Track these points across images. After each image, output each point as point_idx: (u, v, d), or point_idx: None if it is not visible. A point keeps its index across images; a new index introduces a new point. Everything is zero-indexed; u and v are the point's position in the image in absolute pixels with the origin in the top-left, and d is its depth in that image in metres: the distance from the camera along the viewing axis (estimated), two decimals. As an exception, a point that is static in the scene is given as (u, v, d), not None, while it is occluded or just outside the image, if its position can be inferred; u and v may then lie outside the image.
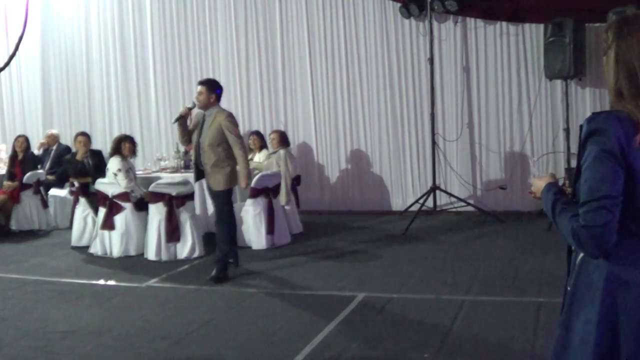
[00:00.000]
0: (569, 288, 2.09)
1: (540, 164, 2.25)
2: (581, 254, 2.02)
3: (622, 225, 1.89)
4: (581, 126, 1.95)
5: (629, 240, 1.91)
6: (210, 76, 10.29)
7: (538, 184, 2.16)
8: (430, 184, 8.96)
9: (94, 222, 7.64)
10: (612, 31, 1.95)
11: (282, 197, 7.92)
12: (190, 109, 6.29)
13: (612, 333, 1.92)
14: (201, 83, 6.24)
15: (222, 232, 6.21)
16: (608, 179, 1.83)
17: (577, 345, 1.98)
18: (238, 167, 6.16)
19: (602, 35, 2.01)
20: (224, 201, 6.21)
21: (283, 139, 8.48)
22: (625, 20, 1.95)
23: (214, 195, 6.24)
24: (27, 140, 9.24)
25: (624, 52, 1.90)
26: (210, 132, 6.07)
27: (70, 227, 8.19)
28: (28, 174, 8.79)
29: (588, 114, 5.36)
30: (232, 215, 6.36)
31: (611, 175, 1.83)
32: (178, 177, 7.60)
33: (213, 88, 6.16)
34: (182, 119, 6.21)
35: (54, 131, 10.29)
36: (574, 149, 7.77)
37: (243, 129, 10.14)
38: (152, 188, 7.07)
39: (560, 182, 2.17)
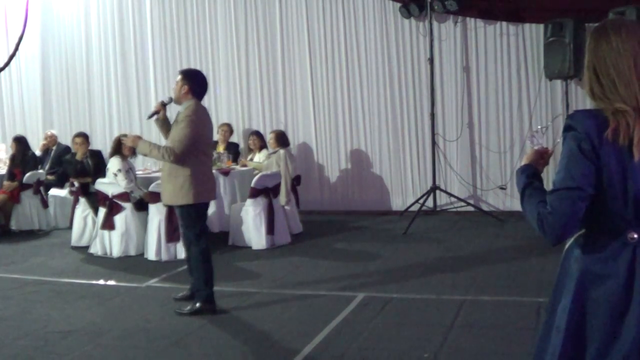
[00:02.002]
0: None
1: (538, 138, 2.22)
2: (567, 244, 2.12)
3: (596, 222, 2.00)
4: None
5: (603, 236, 2.01)
6: (210, 76, 10.32)
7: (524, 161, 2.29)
8: (430, 184, 8.96)
9: (94, 222, 7.64)
10: (590, 37, 2.08)
11: (282, 197, 7.92)
12: (164, 104, 5.32)
13: (580, 324, 2.03)
14: (180, 72, 5.34)
15: (199, 266, 5.09)
16: (579, 172, 1.95)
17: (554, 331, 2.09)
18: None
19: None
20: (189, 223, 5.09)
21: (281, 139, 8.46)
22: (598, 26, 2.08)
23: (177, 212, 5.21)
24: (26, 140, 9.24)
25: (595, 56, 2.03)
26: (172, 131, 5.09)
27: (70, 227, 8.18)
28: (28, 174, 8.78)
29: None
30: (206, 250, 5.11)
31: (582, 169, 1.95)
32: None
33: (189, 78, 5.18)
34: (155, 116, 5.30)
35: (53, 131, 10.30)
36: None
37: (243, 128, 10.17)
38: (152, 188, 7.07)
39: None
